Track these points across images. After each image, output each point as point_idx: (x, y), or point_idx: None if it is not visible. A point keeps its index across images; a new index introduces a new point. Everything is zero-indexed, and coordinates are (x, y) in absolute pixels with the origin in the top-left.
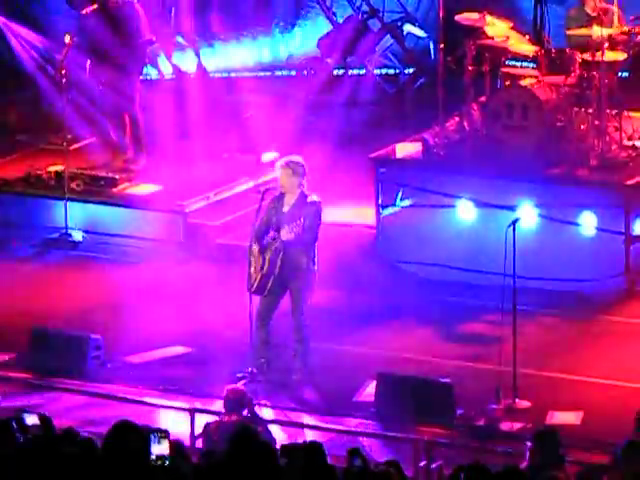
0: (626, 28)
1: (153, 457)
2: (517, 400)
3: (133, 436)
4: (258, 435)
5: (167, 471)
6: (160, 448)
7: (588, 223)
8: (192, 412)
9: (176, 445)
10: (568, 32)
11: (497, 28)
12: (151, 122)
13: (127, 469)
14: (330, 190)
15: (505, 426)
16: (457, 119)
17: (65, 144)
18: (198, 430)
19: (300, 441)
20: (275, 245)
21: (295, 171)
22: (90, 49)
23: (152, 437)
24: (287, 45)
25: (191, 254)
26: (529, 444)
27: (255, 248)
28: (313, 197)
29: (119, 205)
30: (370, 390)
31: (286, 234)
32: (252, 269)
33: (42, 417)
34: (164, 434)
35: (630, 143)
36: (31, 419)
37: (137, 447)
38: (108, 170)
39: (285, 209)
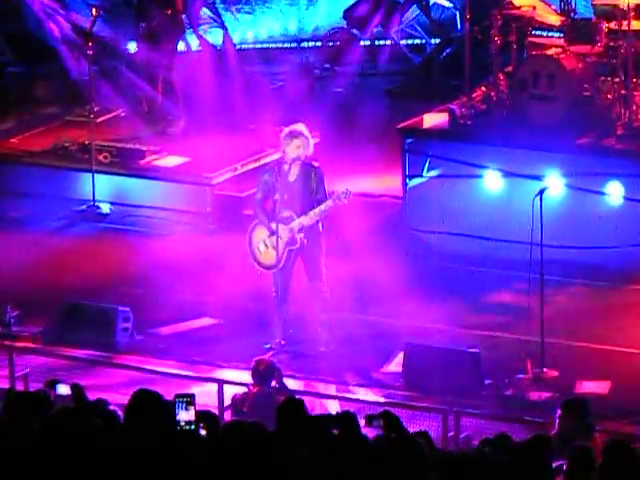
0: None
1: (181, 423)
2: (545, 370)
3: (153, 404)
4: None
5: (194, 437)
6: (187, 414)
7: (615, 192)
8: (220, 383)
9: (207, 415)
10: (594, 1)
11: None
12: (179, 94)
13: (150, 438)
14: (356, 161)
15: (533, 396)
16: (484, 89)
17: (92, 116)
18: (227, 402)
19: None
20: (295, 224)
21: (299, 140)
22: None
23: (178, 403)
24: (313, 16)
25: (218, 225)
26: (559, 412)
27: (281, 226)
28: (314, 163)
29: (146, 177)
30: (398, 361)
31: (307, 219)
32: (262, 245)
33: (74, 386)
34: (190, 399)
35: None
36: (63, 389)
37: (158, 414)
38: (144, 137)
39: (291, 179)
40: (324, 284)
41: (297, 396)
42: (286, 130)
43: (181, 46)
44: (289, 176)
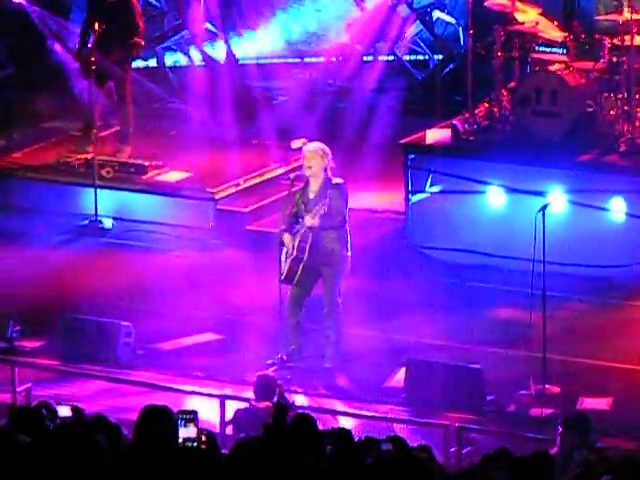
0: None
1: (180, 440)
2: (547, 386)
3: (164, 420)
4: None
5: (194, 455)
6: (187, 431)
7: (618, 209)
8: (222, 399)
9: (207, 434)
10: (597, 17)
11: (526, 14)
12: (181, 109)
13: (158, 454)
14: (359, 176)
15: (535, 412)
16: (486, 105)
17: (95, 131)
18: (228, 417)
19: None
20: (303, 232)
21: (319, 157)
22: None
23: (179, 420)
24: (316, 31)
25: (221, 241)
26: (560, 429)
27: (286, 236)
28: (337, 180)
29: (149, 192)
30: (400, 376)
31: (310, 219)
32: (282, 257)
33: (74, 408)
34: (191, 416)
35: None
36: (64, 410)
37: (167, 432)
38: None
39: (311, 195)
40: (337, 305)
41: (298, 412)
42: (305, 146)
43: (184, 60)
44: (310, 193)
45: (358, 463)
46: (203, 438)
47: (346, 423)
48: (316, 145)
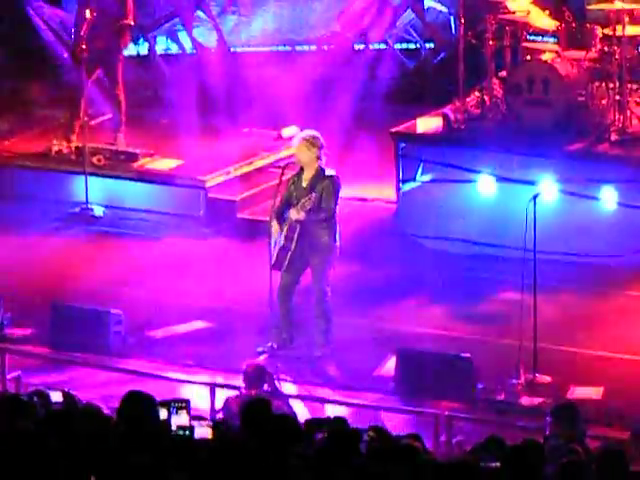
0: None
1: (174, 428)
2: (537, 375)
3: (144, 405)
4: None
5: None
6: (179, 419)
7: (609, 198)
8: (213, 387)
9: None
10: (588, 7)
11: (518, 2)
12: (172, 97)
13: (142, 440)
14: (349, 165)
15: (525, 401)
16: (478, 94)
17: (86, 119)
18: (219, 405)
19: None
20: (291, 221)
21: (312, 146)
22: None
23: (171, 408)
24: (307, 19)
25: (211, 229)
26: (549, 419)
27: (274, 224)
28: (330, 171)
29: (140, 180)
30: (390, 365)
31: (295, 213)
32: (272, 245)
33: (66, 394)
34: (182, 404)
35: None
36: (55, 396)
37: (148, 416)
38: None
39: (304, 184)
40: (326, 294)
41: (290, 400)
42: (295, 136)
43: (175, 48)
44: (303, 181)
45: (351, 452)
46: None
47: (336, 411)
48: (306, 134)
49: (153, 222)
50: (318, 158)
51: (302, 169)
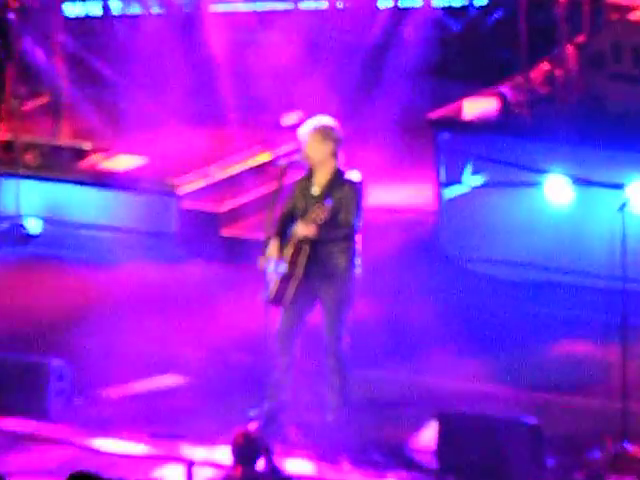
0: None
1: None
2: (628, 445)
3: None
4: None
5: None
6: None
7: None
8: (189, 465)
9: None
10: None
11: None
12: (131, 72)
13: None
14: (374, 164)
15: None
16: (546, 67)
17: (15, 102)
18: None
19: None
20: (296, 240)
21: (327, 138)
22: None
23: None
24: None
25: (186, 250)
26: None
27: (273, 244)
28: (351, 175)
29: (90, 184)
30: (430, 434)
31: (303, 228)
32: (270, 272)
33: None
34: None
35: None
36: None
37: None
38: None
39: (315, 191)
40: (342, 340)
41: None
42: (301, 125)
43: (137, 9)
44: (313, 186)
45: None
46: None
47: None
48: (318, 123)
49: (108, 241)
50: (334, 155)
51: (312, 170)
